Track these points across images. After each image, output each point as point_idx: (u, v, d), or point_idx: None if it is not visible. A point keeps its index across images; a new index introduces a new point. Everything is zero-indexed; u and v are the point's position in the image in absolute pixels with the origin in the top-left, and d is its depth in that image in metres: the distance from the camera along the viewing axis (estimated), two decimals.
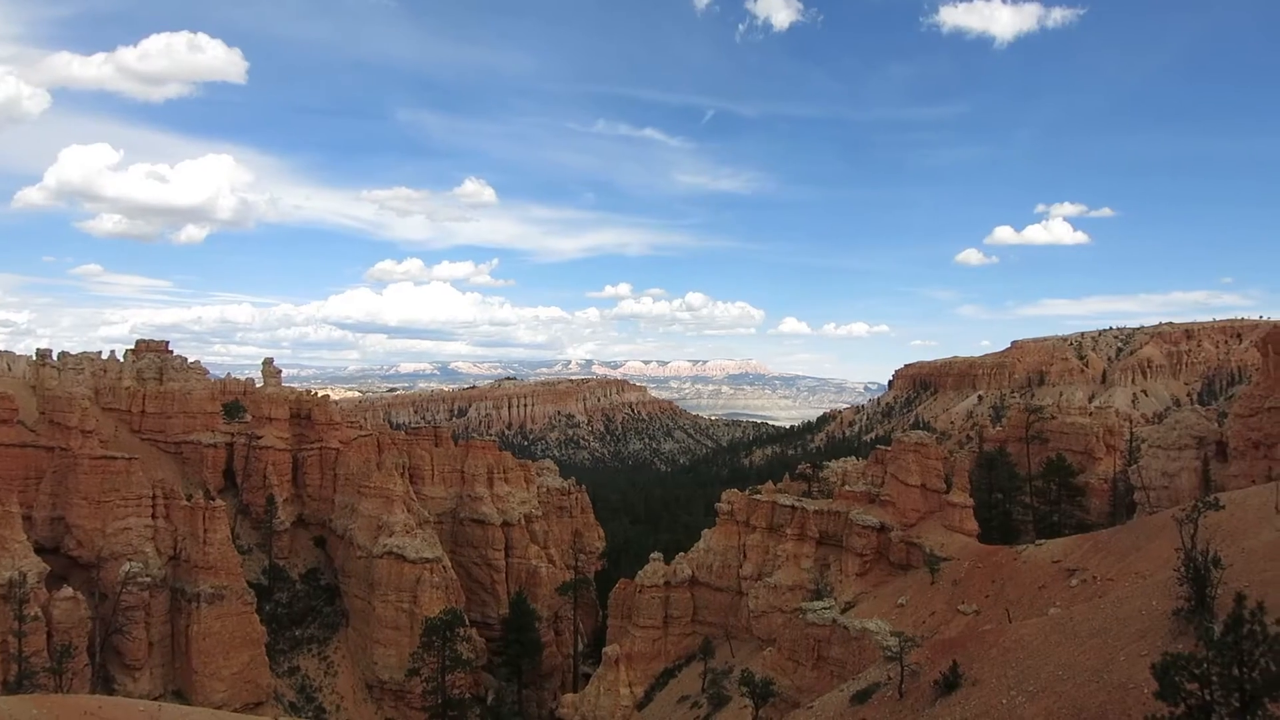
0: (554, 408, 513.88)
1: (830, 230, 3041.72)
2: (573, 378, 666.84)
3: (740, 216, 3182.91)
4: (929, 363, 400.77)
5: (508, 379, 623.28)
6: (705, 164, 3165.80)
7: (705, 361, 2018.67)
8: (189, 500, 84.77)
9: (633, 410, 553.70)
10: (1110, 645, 26.81)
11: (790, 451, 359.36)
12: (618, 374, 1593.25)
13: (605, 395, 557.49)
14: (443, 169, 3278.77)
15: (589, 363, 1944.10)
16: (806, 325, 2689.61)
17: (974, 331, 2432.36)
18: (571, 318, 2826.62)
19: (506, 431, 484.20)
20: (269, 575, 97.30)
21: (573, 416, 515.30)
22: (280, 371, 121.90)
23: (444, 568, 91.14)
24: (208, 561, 79.33)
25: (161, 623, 77.89)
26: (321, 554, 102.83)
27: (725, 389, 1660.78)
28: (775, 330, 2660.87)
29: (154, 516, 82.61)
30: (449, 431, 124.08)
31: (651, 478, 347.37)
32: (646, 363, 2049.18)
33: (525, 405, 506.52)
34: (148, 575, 77.65)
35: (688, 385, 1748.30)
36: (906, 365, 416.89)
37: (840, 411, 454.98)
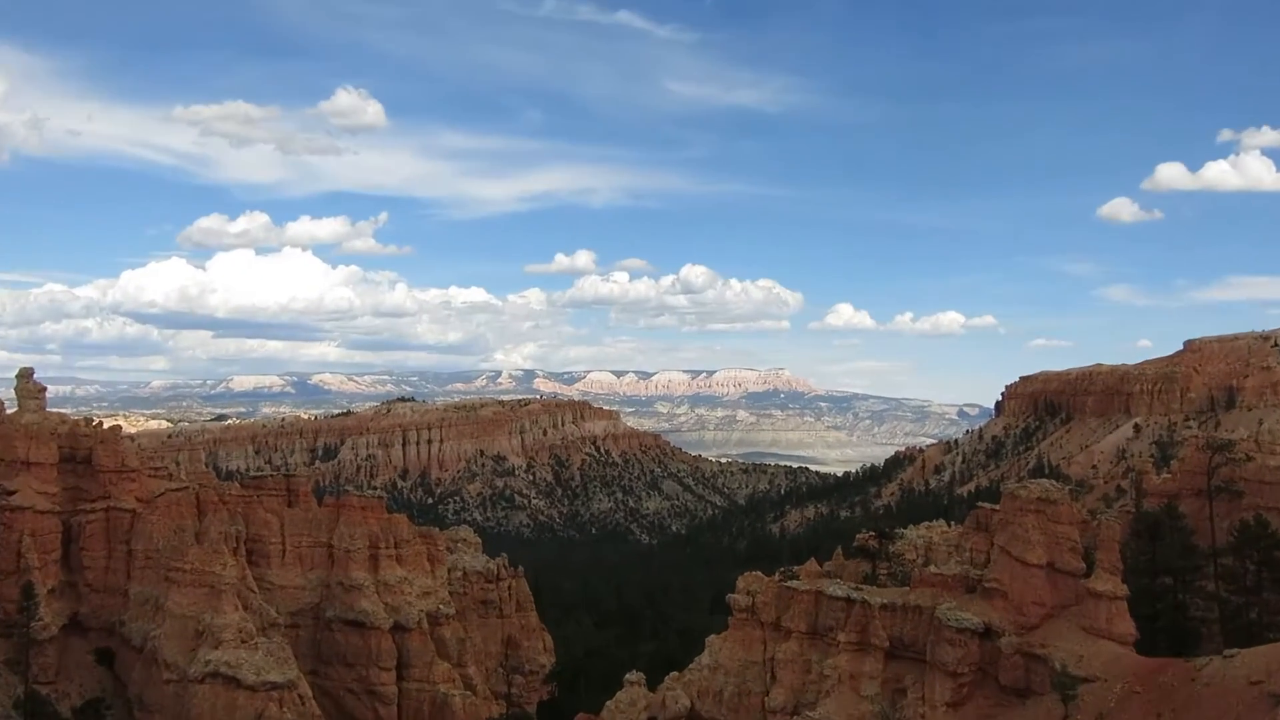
0: (475, 445, 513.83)
1: (905, 169, 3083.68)
2: (504, 398, 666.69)
3: (766, 148, 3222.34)
4: (1058, 374, 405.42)
5: (402, 400, 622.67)
6: (712, 65, 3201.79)
7: (711, 373, 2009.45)
8: None
9: (598, 448, 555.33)
10: None
11: (844, 512, 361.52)
12: (575, 392, 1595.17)
13: (556, 425, 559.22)
14: (303, 73, 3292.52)
15: (529, 374, 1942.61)
16: (868, 316, 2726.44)
17: (1126, 325, 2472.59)
18: (503, 305, 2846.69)
19: (400, 483, 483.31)
20: (25, 711, 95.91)
21: (504, 459, 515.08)
22: (44, 390, 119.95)
23: (301, 698, 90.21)
24: None
25: None
26: (107, 675, 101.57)
27: (743, 414, 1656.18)
28: (820, 324, 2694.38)
29: None
30: (310, 483, 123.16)
31: (628, 554, 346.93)
32: (620, 374, 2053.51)
33: (429, 442, 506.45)
34: None
35: (684, 409, 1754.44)
36: (1024, 379, 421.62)
37: (922, 450, 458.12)
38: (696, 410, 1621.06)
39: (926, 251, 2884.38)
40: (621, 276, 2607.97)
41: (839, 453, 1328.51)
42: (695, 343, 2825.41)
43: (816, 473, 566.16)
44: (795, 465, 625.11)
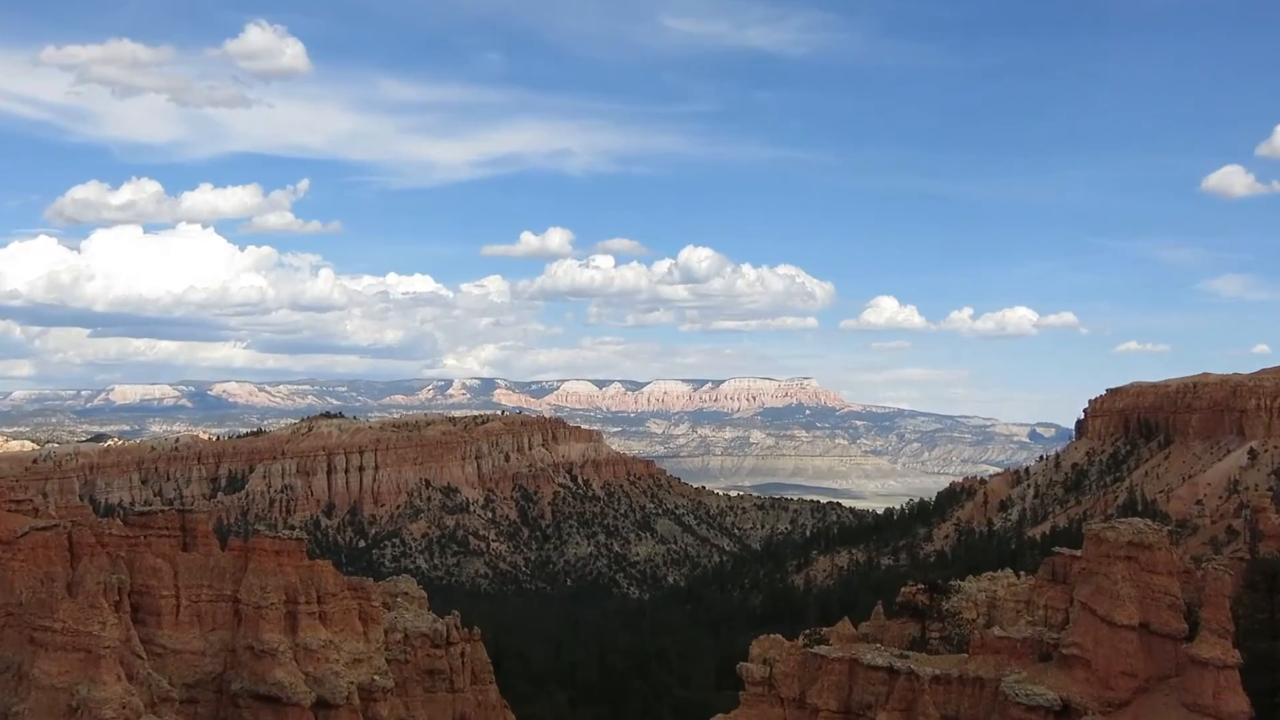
0: (419, 473, 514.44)
1: (962, 128, 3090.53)
2: (456, 414, 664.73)
3: (787, 101, 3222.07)
4: (1154, 386, 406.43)
5: (328, 417, 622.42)
6: None
7: (718, 383, 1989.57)
8: None
9: (575, 478, 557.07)
10: None
11: (885, 559, 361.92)
12: (545, 406, 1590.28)
13: (521, 449, 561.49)
14: (204, 4, 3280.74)
15: (488, 385, 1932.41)
16: (916, 313, 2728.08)
17: (1239, 326, 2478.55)
18: (455, 297, 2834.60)
19: (325, 520, 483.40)
20: None
21: (456, 491, 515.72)
22: None
23: None
24: None
25: None
26: None
27: (758, 436, 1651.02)
28: (856, 322, 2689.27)
29: None
30: (211, 521, 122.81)
31: (613, 612, 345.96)
32: (603, 385, 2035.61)
33: (362, 469, 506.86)
34: None
35: (684, 429, 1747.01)
36: (1112, 392, 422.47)
37: (983, 481, 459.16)
38: (699, 430, 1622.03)
39: (990, 232, 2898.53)
40: (605, 261, 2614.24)
41: (879, 484, 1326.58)
42: (698, 345, 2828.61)
43: (851, 509, 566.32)
44: (824, 500, 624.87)
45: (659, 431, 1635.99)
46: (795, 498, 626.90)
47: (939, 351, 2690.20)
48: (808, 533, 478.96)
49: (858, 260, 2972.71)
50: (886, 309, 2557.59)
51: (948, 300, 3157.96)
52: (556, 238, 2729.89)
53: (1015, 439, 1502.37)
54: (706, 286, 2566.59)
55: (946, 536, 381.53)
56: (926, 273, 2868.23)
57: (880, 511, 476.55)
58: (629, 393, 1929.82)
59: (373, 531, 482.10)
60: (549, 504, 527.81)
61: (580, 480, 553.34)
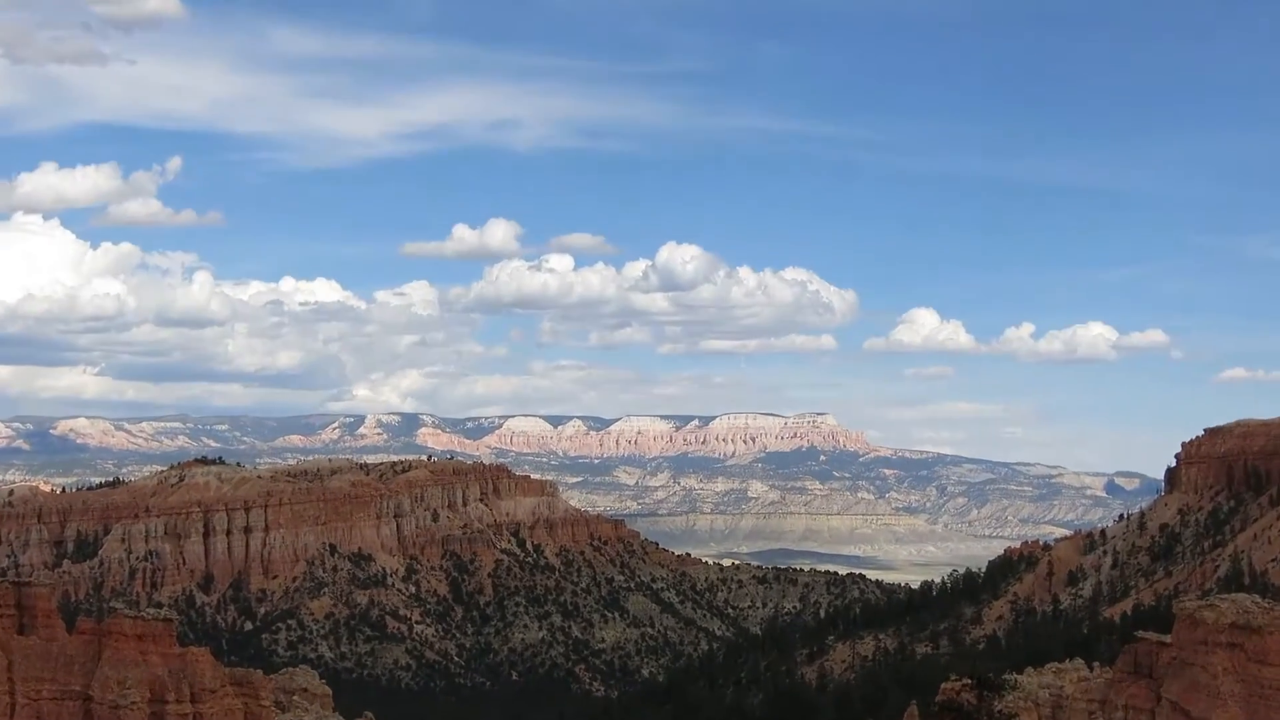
0: (321, 536, 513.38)
1: (1022, 93, 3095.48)
2: (370, 460, 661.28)
3: (798, 57, 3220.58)
4: (1265, 425, 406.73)
5: (204, 463, 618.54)
6: None
7: (707, 420, 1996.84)
8: None
9: (524, 543, 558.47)
10: None
11: (922, 647, 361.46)
12: (485, 450, 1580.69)
13: (454, 505, 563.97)
14: None
15: (411, 421, 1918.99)
16: (962, 331, 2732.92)
17: None
18: (368, 309, 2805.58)
19: (202, 596, 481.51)
20: None
21: (369, 559, 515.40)
22: None
23: None
24: None
25: None
26: None
27: (758, 488, 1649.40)
28: (885, 343, 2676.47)
29: None
30: (54, 596, 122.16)
31: (573, 714, 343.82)
32: (558, 422, 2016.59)
33: (248, 530, 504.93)
34: None
35: (663, 479, 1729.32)
36: (1212, 433, 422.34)
37: (1047, 547, 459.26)
38: (683, 481, 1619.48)
39: (1058, 226, 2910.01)
40: (562, 263, 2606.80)
41: (914, 550, 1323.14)
42: (681, 372, 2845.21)
43: (878, 583, 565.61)
44: (843, 570, 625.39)
45: (631, 483, 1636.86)
46: (806, 567, 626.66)
47: (991, 380, 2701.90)
48: (822, 612, 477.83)
49: (888, 263, 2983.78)
50: (924, 325, 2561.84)
51: (1002, 314, 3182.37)
52: (499, 232, 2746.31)
53: (1088, 492, 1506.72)
54: (693, 295, 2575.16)
55: (1000, 618, 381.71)
56: (976, 279, 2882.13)
57: (915, 586, 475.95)
58: (593, 432, 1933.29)
59: (262, 611, 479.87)
60: (489, 576, 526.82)
61: (530, 545, 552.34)
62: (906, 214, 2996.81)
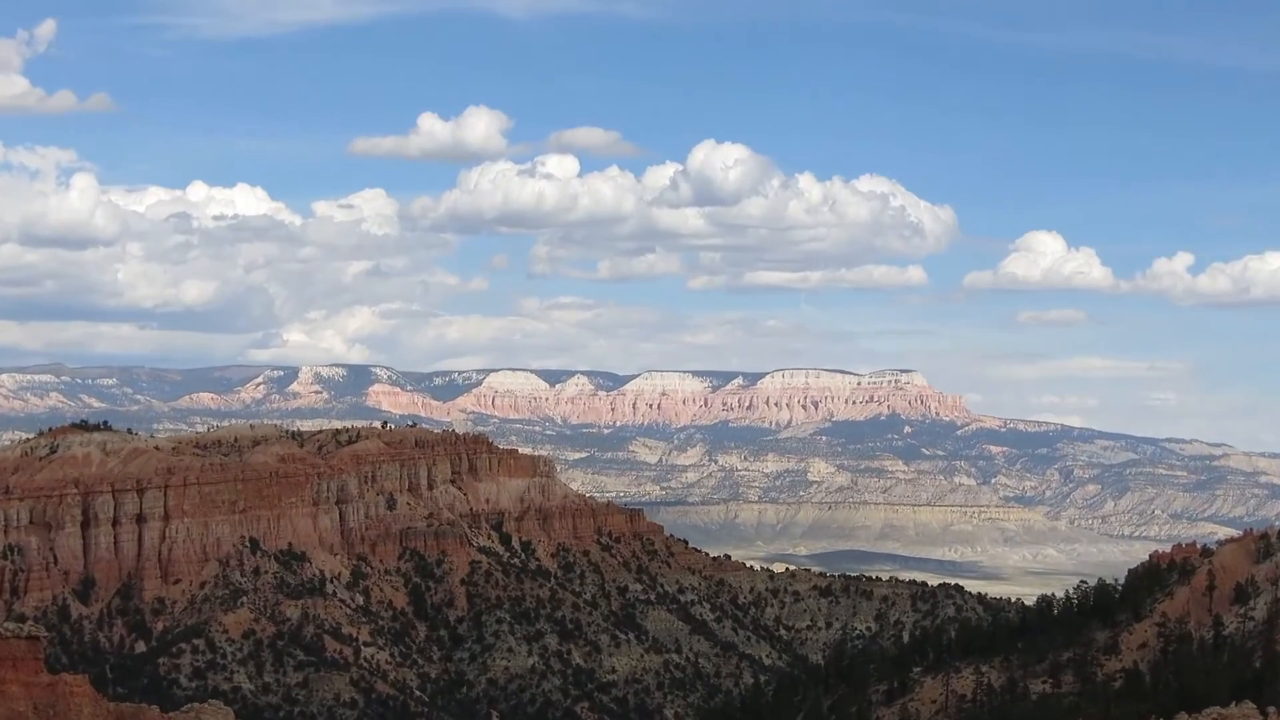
0: (239, 527, 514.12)
1: None
2: (305, 426, 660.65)
3: None
4: None
5: (84, 428, 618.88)
6: None
7: (755, 378, 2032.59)
8: None
9: (509, 539, 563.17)
10: None
11: (1039, 683, 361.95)
12: (459, 413, 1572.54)
13: (415, 488, 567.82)
14: None
15: (360, 375, 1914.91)
16: (1095, 260, 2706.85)
17: None
18: (302, 226, 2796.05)
19: (79, 606, 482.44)
20: None
21: (303, 559, 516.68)
22: None
23: None
24: None
25: None
26: None
27: (822, 467, 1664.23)
28: (993, 278, 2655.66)
29: None
30: None
31: None
32: (556, 379, 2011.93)
33: (143, 520, 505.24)
34: None
35: (696, 454, 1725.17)
36: None
37: (1209, 551, 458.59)
38: (721, 458, 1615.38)
39: (1228, 123, 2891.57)
40: (563, 166, 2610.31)
41: (1028, 555, 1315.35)
42: (721, 312, 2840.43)
43: (980, 596, 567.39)
44: (934, 580, 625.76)
45: (652, 460, 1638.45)
46: (886, 575, 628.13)
47: (1134, 329, 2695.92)
48: (906, 636, 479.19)
49: (997, 171, 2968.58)
50: (1045, 255, 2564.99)
51: (1150, 240, 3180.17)
52: (480, 124, 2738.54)
53: (1262, 479, 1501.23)
54: (736, 212, 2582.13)
55: (1144, 645, 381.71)
56: (1114, 193, 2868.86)
57: (1030, 601, 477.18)
58: (602, 393, 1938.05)
59: (160, 626, 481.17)
60: (462, 583, 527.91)
61: (517, 542, 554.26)
62: (1023, 105, 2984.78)
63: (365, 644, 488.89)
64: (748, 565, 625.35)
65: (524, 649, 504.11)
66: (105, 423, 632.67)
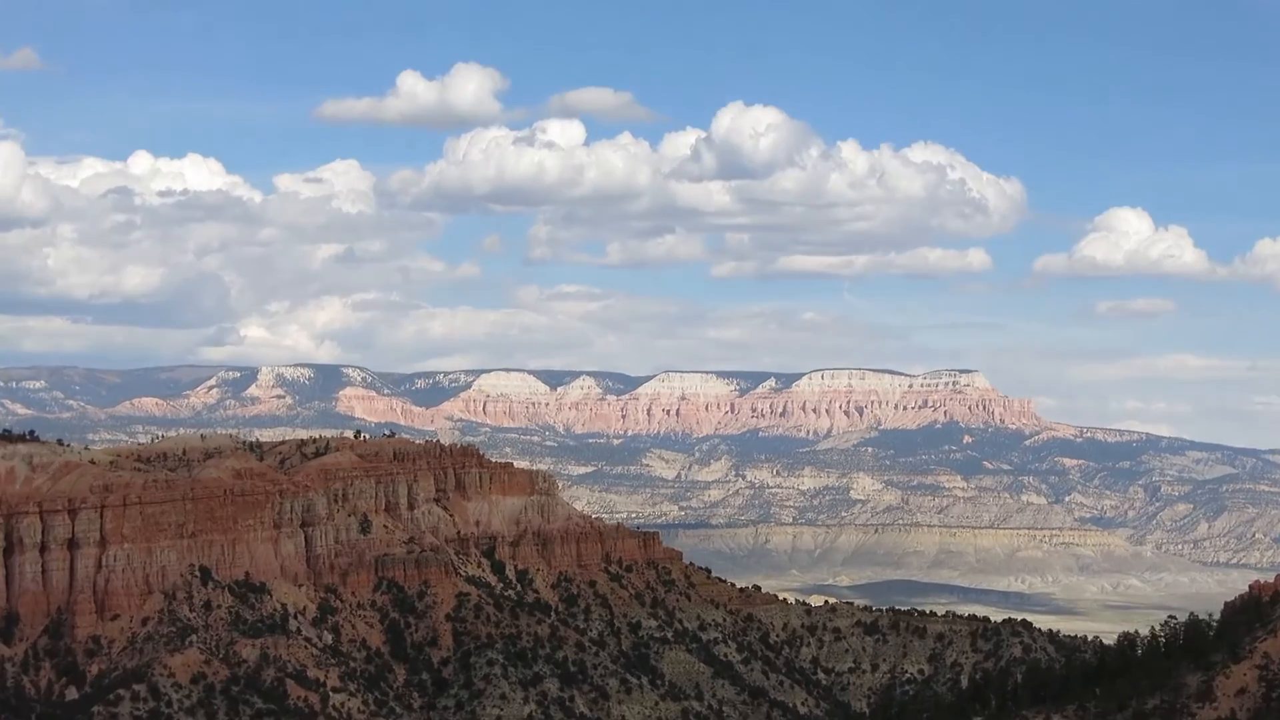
0: (189, 555, 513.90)
1: None
2: (264, 436, 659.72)
3: None
4: None
5: (4, 440, 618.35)
6: None
7: (790, 379, 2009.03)
8: None
9: (503, 568, 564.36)
10: None
11: None
12: (444, 421, 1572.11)
13: (394, 509, 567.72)
14: None
15: (330, 377, 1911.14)
16: (1188, 242, 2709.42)
17: None
18: (262, 203, 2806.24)
19: None
20: None
21: (262, 592, 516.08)
22: None
23: None
24: None
25: None
26: None
27: (868, 483, 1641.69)
28: (1068, 262, 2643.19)
29: None
30: None
31: None
32: (558, 381, 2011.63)
33: (75, 545, 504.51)
34: None
35: (721, 467, 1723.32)
36: None
37: None
38: (750, 473, 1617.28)
39: None
40: (567, 133, 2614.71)
41: (1108, 585, 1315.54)
42: (751, 303, 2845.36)
43: (1053, 635, 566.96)
44: (999, 615, 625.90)
45: (670, 475, 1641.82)
46: (941, 609, 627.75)
47: (1233, 322, 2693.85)
48: (965, 680, 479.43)
49: (1072, 139, 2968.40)
50: (1128, 235, 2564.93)
51: (1251, 219, 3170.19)
52: (470, 86, 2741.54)
53: None
54: (768, 186, 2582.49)
55: (1242, 691, 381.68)
56: (1209, 164, 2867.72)
57: (1111, 640, 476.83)
58: (611, 397, 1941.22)
59: (95, 669, 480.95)
60: (448, 618, 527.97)
61: (512, 571, 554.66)
62: (1103, 63, 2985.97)
63: (334, 690, 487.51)
64: (780, 598, 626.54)
65: (519, 695, 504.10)
66: (32, 432, 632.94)
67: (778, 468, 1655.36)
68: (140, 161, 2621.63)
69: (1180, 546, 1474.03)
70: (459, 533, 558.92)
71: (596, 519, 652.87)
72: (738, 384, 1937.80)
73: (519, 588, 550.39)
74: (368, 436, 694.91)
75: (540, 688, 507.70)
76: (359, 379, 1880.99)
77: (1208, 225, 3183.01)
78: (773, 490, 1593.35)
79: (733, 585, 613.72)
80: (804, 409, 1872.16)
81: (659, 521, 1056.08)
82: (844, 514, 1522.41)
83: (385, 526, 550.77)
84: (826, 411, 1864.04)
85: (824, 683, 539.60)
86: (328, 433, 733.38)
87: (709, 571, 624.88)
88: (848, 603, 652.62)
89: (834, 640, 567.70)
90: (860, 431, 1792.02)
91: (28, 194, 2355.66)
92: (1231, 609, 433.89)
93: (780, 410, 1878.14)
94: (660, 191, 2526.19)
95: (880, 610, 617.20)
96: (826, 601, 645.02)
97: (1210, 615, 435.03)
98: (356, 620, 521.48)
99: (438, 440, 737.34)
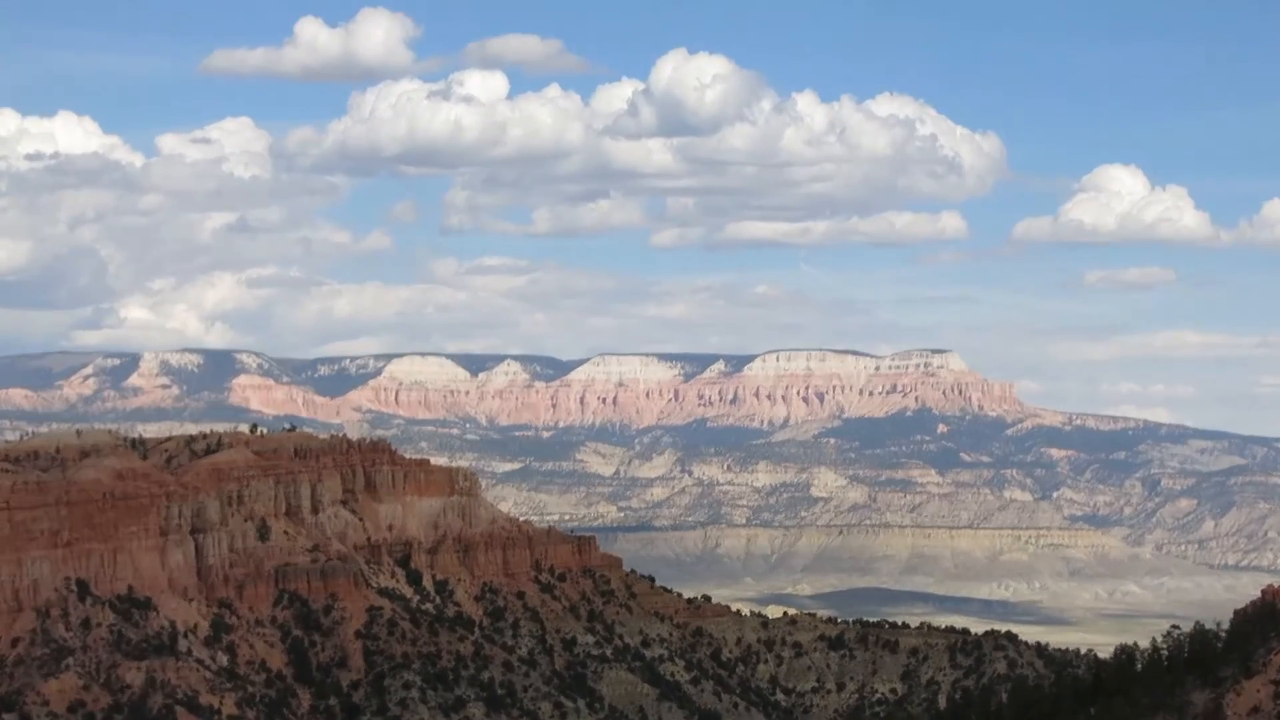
0: (63, 567, 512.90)
1: None
2: (147, 431, 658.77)
3: None
4: None
5: None
6: None
7: (741, 362, 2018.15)
8: None
9: (419, 578, 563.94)
10: None
11: None
12: (352, 412, 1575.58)
13: (295, 512, 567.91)
14: None
15: (222, 363, 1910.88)
16: (1188, 204, 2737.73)
17: None
18: (145, 167, 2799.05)
19: None
20: None
21: (146, 608, 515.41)
22: None
23: None
24: None
25: None
26: None
27: (830, 479, 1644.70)
28: (1052, 226, 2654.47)
29: None
30: None
31: None
32: (480, 368, 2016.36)
33: None
34: None
35: (664, 462, 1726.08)
36: None
37: None
38: (698, 468, 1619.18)
39: None
40: (488, 85, 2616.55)
41: (1100, 591, 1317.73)
42: (697, 276, 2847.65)
43: (1041, 648, 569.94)
44: (979, 626, 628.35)
45: (607, 471, 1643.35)
46: (917, 620, 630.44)
47: (1239, 293, 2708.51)
48: (943, 699, 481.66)
49: (1058, 87, 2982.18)
50: (1121, 196, 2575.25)
51: (1257, 178, 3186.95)
52: (378, 32, 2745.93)
53: None
54: (715, 143, 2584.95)
55: (1255, 709, 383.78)
56: (1210, 115, 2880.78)
57: (1107, 653, 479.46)
58: (540, 384, 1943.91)
59: None
60: (358, 635, 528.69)
61: (430, 582, 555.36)
62: (1093, 3, 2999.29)
63: (230, 718, 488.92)
64: (733, 609, 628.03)
65: None
66: None
67: (728, 462, 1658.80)
68: (4, 121, 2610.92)
69: (1183, 547, 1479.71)
70: (369, 539, 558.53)
71: (525, 522, 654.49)
72: (682, 368, 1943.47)
73: (438, 600, 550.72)
74: (265, 431, 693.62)
75: (464, 713, 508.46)
76: (254, 366, 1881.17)
77: (1210, 184, 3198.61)
78: (723, 488, 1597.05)
79: (679, 596, 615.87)
80: (757, 396, 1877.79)
81: (595, 524, 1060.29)
82: (804, 514, 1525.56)
83: (286, 533, 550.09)
84: (783, 398, 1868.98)
85: (784, 704, 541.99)
86: (219, 427, 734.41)
87: (653, 580, 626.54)
88: (809, 614, 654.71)
89: (794, 657, 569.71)
90: (821, 421, 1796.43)
91: None
92: (1242, 617, 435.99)
93: (730, 397, 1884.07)
94: (593, 151, 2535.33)
95: (846, 622, 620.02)
96: (785, 613, 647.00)
97: (1218, 624, 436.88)
98: (255, 639, 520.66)
99: (344, 434, 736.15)
